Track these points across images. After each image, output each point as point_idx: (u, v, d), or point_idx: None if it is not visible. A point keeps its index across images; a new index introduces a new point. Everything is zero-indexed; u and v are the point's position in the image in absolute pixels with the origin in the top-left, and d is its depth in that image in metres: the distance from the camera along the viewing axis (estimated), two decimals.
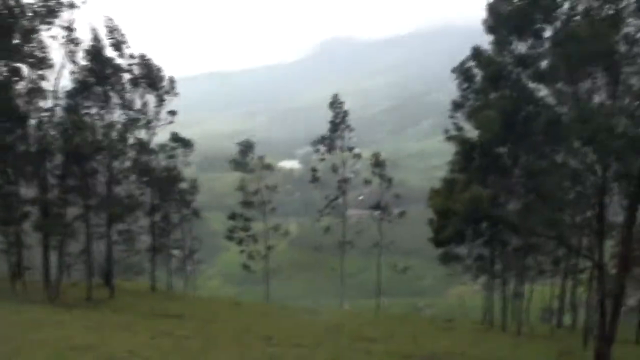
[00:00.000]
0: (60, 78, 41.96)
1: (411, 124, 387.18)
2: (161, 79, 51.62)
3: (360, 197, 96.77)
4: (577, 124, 22.89)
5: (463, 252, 50.30)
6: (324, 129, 67.16)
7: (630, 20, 24.78)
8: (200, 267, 71.15)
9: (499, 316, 49.84)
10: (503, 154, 30.62)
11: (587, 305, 38.59)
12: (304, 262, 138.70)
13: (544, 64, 27.96)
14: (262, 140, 66.14)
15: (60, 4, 40.26)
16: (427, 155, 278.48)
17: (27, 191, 42.76)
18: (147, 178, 53.11)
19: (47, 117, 41.87)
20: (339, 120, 65.33)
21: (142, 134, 51.50)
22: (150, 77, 50.53)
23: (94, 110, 45.92)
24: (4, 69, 40.30)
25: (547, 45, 28.39)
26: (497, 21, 33.16)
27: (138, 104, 50.27)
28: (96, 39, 44.81)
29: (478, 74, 47.43)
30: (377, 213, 67.19)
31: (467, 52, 52.20)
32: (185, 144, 58.94)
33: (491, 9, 33.69)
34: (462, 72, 48.83)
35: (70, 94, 43.56)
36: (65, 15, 41.00)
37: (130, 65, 48.78)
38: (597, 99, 26.65)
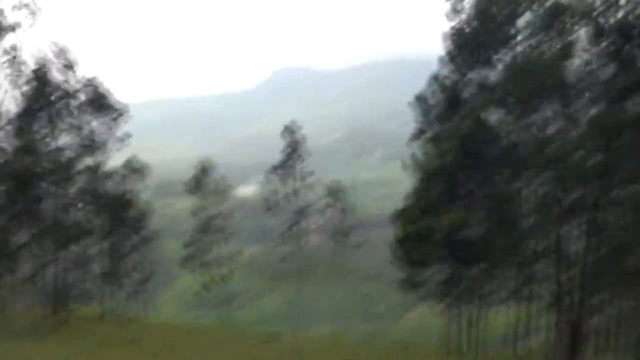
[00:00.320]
0: (3, 101, 40.38)
1: (364, 153, 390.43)
2: (110, 103, 50.25)
3: (313, 226, 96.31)
4: (530, 153, 23.01)
5: (424, 277, 50.17)
6: (278, 156, 66.51)
7: (580, 53, 25.21)
8: (156, 292, 69.19)
9: (457, 341, 49.58)
10: (462, 180, 30.66)
11: (546, 331, 38.52)
12: (260, 289, 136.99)
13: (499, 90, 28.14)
14: (217, 166, 64.82)
15: (2, 27, 38.92)
16: (380, 183, 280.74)
17: None
18: (96, 205, 51.38)
19: None
20: (290, 149, 64.64)
21: (91, 159, 49.89)
22: (98, 101, 49.12)
23: (40, 135, 44.38)
24: None
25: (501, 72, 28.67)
26: (455, 47, 33.50)
27: (87, 129, 48.77)
28: (42, 62, 43.42)
29: (436, 103, 48.01)
30: (334, 240, 66.76)
31: (418, 83, 52.82)
32: (138, 169, 57.54)
33: (446, 37, 34.06)
34: (422, 102, 49.28)
35: (14, 118, 41.96)
36: (9, 38, 39.72)
37: (78, 88, 47.27)
38: (550, 129, 26.99)
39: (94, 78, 48.49)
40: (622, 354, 40.81)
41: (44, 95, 43.71)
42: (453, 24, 40.21)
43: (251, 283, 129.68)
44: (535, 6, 28.89)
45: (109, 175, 53.99)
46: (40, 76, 43.46)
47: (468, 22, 36.77)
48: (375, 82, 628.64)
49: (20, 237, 43.11)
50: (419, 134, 50.14)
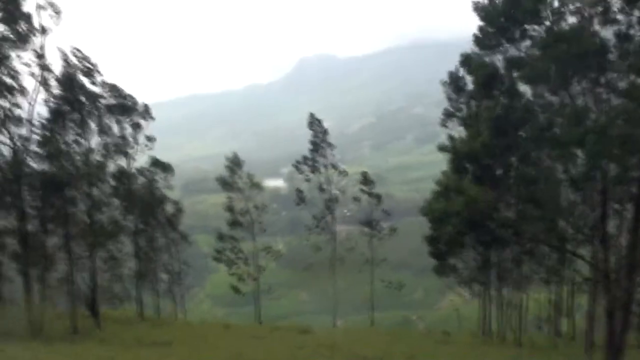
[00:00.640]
0: (35, 105, 40.77)
1: (392, 138, 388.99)
2: (134, 105, 50.91)
3: (347, 213, 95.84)
4: (567, 128, 22.21)
5: (457, 263, 49.80)
6: (307, 146, 66.43)
7: (620, 17, 24.25)
8: (190, 290, 69.76)
9: (495, 327, 49.06)
10: (494, 163, 29.92)
11: (587, 314, 37.75)
12: (293, 281, 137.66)
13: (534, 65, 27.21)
14: (245, 160, 64.85)
15: (32, 29, 39.22)
16: (409, 168, 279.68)
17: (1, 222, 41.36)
18: (128, 204, 51.98)
19: (22, 146, 40.60)
20: (318, 139, 64.64)
21: (121, 160, 50.60)
22: (124, 105, 49.80)
23: (70, 138, 44.78)
24: None
25: (535, 45, 27.69)
26: (485, 22, 32.61)
27: (115, 131, 49.34)
28: (68, 65, 43.73)
29: (468, 82, 47.31)
30: (366, 229, 66.39)
31: (445, 65, 52.24)
32: (165, 168, 58.10)
33: (477, 10, 33.21)
34: (453, 82, 48.71)
35: (46, 122, 42.37)
36: (36, 41, 39.96)
37: (103, 92, 47.75)
38: (587, 102, 26.14)
39: (114, 85, 49.07)
40: None
41: (73, 98, 44.03)
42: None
43: (284, 276, 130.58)
44: None
45: (139, 174, 54.65)
46: (67, 79, 43.75)
47: None
48: (402, 66, 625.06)
49: (56, 239, 43.62)
50: (451, 114, 49.66)
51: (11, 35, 38.55)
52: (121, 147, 49.80)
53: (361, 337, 46.35)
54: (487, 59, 38.56)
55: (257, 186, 64.69)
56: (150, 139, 52.19)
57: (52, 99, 42.43)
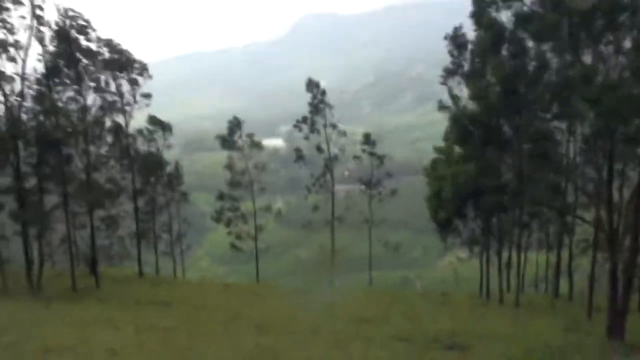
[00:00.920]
0: (27, 61, 39.82)
1: (393, 98, 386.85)
2: (132, 61, 49.78)
3: (346, 173, 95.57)
4: (581, 85, 21.52)
5: (459, 225, 49.73)
6: (306, 105, 65.75)
7: None
8: (189, 248, 69.74)
9: (493, 287, 49.08)
10: (503, 124, 29.21)
11: (590, 275, 37.53)
12: (292, 240, 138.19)
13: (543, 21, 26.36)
14: (244, 119, 64.10)
15: None
16: (410, 128, 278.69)
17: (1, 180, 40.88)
18: (127, 162, 51.40)
19: (17, 102, 39.84)
20: (317, 101, 64.00)
21: (119, 117, 49.73)
22: (120, 60, 48.67)
23: (66, 95, 44.03)
24: None
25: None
26: None
27: (112, 87, 48.42)
28: (63, 20, 42.71)
29: (470, 41, 46.43)
30: (365, 189, 66.17)
31: (446, 24, 51.26)
32: (164, 127, 57.43)
33: None
34: (454, 39, 47.83)
35: (40, 78, 41.54)
36: None
37: (99, 48, 46.68)
38: (594, 60, 25.40)
39: (110, 40, 47.88)
40: None
41: (68, 53, 43.09)
42: None
43: (282, 234, 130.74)
44: None
45: (137, 133, 53.91)
46: (63, 35, 42.76)
47: None
48: (402, 25, 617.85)
49: (54, 197, 43.24)
50: (452, 71, 48.89)
51: None
52: (118, 105, 48.85)
53: (360, 298, 46.42)
54: (493, 16, 37.78)
55: (257, 145, 64.14)
56: (146, 95, 51.12)
57: (47, 54, 41.56)
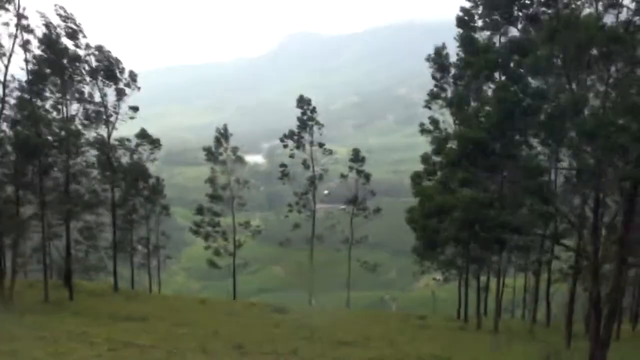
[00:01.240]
0: (9, 67, 39.12)
1: (374, 118, 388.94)
2: (121, 71, 49.08)
3: (326, 192, 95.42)
4: (578, 119, 21.60)
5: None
6: (288, 123, 65.87)
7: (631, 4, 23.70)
8: (165, 262, 68.98)
9: (471, 311, 49.05)
10: (496, 151, 29.20)
11: (568, 303, 37.63)
12: (268, 257, 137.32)
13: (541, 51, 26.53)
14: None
15: None
16: (391, 149, 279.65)
17: None
18: (108, 173, 50.48)
19: None
20: (306, 117, 64.03)
21: (102, 128, 48.88)
22: (109, 69, 47.93)
23: (49, 103, 43.39)
24: None
25: (541, 32, 26.99)
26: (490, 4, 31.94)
27: (97, 97, 47.69)
28: (50, 26, 42.20)
29: (453, 63, 46.79)
30: (344, 207, 66.19)
31: (427, 47, 51.72)
32: (152, 141, 56.85)
33: None
34: (437, 61, 48.12)
35: (23, 85, 40.85)
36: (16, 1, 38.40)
37: (87, 55, 46.05)
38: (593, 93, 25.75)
39: (101, 46, 47.28)
40: None
41: (53, 60, 42.46)
42: None
43: (259, 251, 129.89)
44: None
45: (120, 144, 53.10)
46: (49, 41, 42.19)
47: None
48: (385, 47, 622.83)
49: (30, 208, 42.37)
50: (436, 95, 49.11)
51: None
52: (102, 115, 48.06)
53: (338, 319, 46.04)
54: (479, 39, 38.10)
55: (240, 160, 63.92)
56: (134, 108, 50.32)
57: (31, 60, 40.93)
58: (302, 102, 63.98)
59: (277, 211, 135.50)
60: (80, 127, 45.27)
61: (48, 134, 40.92)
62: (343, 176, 65.44)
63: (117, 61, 48.41)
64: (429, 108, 50.62)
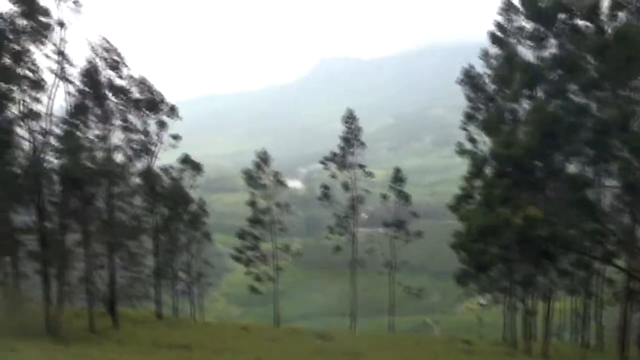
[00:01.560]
0: (54, 100, 39.76)
1: (410, 140, 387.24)
2: (162, 102, 49.83)
3: (365, 216, 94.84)
4: (625, 134, 20.98)
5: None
6: (323, 147, 65.63)
7: None
8: (207, 289, 69.24)
9: (518, 335, 47.78)
10: (537, 168, 28.46)
11: (621, 326, 36.32)
12: (309, 282, 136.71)
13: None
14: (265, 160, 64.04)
15: (48, 25, 38.29)
16: (426, 171, 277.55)
17: (21, 218, 40.52)
18: (151, 202, 50.95)
19: (42, 140, 39.76)
20: (351, 136, 63.43)
21: (144, 158, 49.62)
22: (151, 100, 48.69)
23: (93, 133, 44.02)
24: None
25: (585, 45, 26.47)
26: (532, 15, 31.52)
27: (139, 127, 48.41)
28: (92, 58, 42.95)
29: (487, 82, 46.27)
30: (384, 231, 65.48)
31: (453, 68, 51.21)
32: (195, 166, 57.49)
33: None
34: (469, 80, 47.63)
35: (67, 117, 41.52)
36: (56, 35, 39.12)
37: (129, 86, 46.76)
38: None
39: (143, 77, 48.06)
40: None
41: (96, 92, 43.15)
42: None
43: (299, 276, 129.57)
44: None
45: (163, 172, 53.74)
46: (91, 72, 42.92)
47: None
48: (417, 69, 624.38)
49: (75, 236, 42.80)
50: (471, 117, 48.46)
51: (30, 29, 37.64)
52: (145, 145, 48.78)
53: (383, 344, 45.28)
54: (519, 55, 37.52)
55: (281, 184, 63.95)
56: (175, 137, 51.12)
57: (74, 93, 41.59)
58: (350, 118, 63.37)
59: (316, 236, 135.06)
60: (123, 156, 45.87)
61: (91, 164, 41.38)
62: (384, 197, 64.55)
63: (159, 93, 49.29)
64: (466, 129, 49.93)
